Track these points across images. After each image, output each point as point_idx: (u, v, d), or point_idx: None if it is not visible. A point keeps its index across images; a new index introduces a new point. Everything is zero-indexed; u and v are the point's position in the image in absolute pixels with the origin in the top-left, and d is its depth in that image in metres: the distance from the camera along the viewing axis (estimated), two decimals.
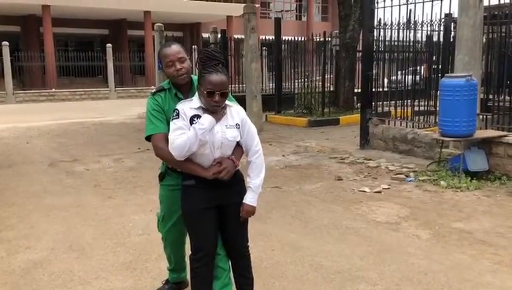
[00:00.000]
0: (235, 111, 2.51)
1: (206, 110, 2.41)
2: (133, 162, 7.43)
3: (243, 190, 2.56)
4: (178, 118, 2.42)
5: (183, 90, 2.62)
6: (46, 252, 3.82)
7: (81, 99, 22.72)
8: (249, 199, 2.53)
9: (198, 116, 2.40)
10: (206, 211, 2.50)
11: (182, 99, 2.55)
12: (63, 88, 23.27)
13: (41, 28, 24.46)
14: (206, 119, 2.38)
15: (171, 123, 2.44)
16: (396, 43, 8.63)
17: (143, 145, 8.30)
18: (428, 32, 8.71)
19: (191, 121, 2.40)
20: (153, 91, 2.70)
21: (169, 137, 2.42)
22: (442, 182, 5.67)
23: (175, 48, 2.57)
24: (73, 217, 4.75)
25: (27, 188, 5.93)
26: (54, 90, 22.89)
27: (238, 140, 2.50)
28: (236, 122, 2.49)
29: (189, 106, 2.45)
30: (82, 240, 4.08)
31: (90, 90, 23.56)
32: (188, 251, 2.67)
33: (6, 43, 21.41)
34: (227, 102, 2.47)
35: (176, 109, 2.45)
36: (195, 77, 2.60)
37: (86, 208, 5.06)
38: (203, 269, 2.54)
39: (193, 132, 2.36)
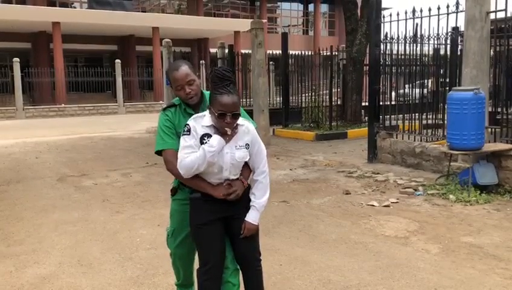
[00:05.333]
0: (246, 130, 2.48)
1: (217, 129, 2.40)
2: (141, 177, 7.46)
3: (249, 201, 2.55)
4: (189, 134, 2.42)
5: (193, 106, 2.64)
6: (54, 267, 3.83)
7: (90, 115, 22.91)
8: (252, 217, 2.52)
9: (209, 136, 2.39)
10: (212, 223, 2.50)
11: (192, 115, 2.55)
12: (72, 103, 23.50)
13: (51, 44, 24.82)
14: (216, 140, 2.37)
15: (181, 139, 2.45)
16: (403, 57, 8.65)
17: (151, 159, 8.34)
18: (435, 46, 8.73)
19: (201, 139, 2.40)
20: (164, 107, 2.73)
21: (179, 155, 2.43)
22: (451, 196, 5.63)
23: (183, 71, 2.57)
24: (82, 231, 4.77)
25: (36, 203, 5.96)
26: (63, 105, 23.12)
27: (246, 160, 2.50)
28: (246, 143, 2.47)
29: (201, 123, 2.43)
30: (90, 255, 4.09)
31: (99, 106, 23.77)
32: (196, 265, 2.67)
33: (17, 59, 21.72)
34: (239, 120, 2.44)
35: (188, 125, 2.44)
36: (206, 92, 2.62)
37: (94, 222, 5.08)
38: (211, 282, 2.53)
39: (202, 153, 2.36)
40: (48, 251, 4.20)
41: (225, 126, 2.36)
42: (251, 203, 2.53)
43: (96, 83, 25.01)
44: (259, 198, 2.53)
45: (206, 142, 2.38)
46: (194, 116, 2.49)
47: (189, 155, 2.39)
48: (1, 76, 22.87)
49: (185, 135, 2.43)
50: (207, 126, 2.42)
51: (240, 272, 2.65)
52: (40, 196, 6.39)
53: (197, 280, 2.60)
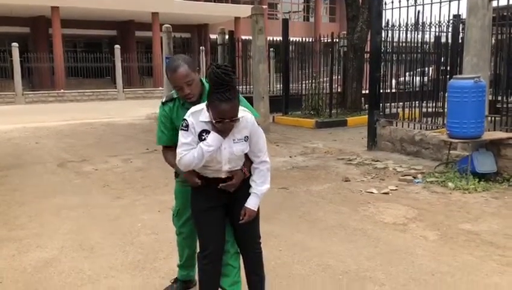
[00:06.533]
0: (244, 121, 2.41)
1: (215, 125, 2.36)
2: (141, 163, 7.48)
3: (249, 188, 2.56)
4: (187, 130, 2.39)
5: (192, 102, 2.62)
6: (56, 251, 3.87)
7: (89, 100, 22.87)
8: (252, 203, 2.52)
9: (207, 132, 2.37)
10: (212, 209, 2.53)
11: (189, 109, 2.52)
12: (72, 89, 23.43)
13: (50, 29, 24.65)
14: (214, 139, 2.35)
15: (179, 134, 2.43)
16: (404, 45, 8.62)
17: (151, 146, 8.36)
18: (437, 34, 8.70)
19: (200, 136, 2.38)
20: (163, 100, 2.72)
21: (177, 151, 2.43)
22: (450, 184, 5.66)
23: (181, 73, 2.52)
24: (83, 216, 4.81)
25: (37, 188, 5.99)
26: (62, 91, 23.06)
27: (246, 152, 2.47)
28: (244, 135, 2.43)
29: (200, 118, 2.38)
30: (91, 239, 4.13)
31: (99, 91, 23.71)
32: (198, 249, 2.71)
33: (16, 44, 21.61)
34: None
35: (186, 120, 2.40)
36: (206, 84, 2.60)
37: (95, 207, 5.11)
38: (210, 266, 2.57)
39: (200, 151, 2.35)
40: (50, 236, 4.24)
41: (223, 129, 2.34)
42: (252, 190, 2.53)
43: (95, 69, 24.91)
44: (260, 185, 2.53)
45: (204, 139, 2.36)
46: (192, 110, 2.43)
47: (188, 153, 2.38)
48: (0, 61, 22.75)
49: (183, 130, 2.41)
50: (205, 122, 2.38)
51: (240, 255, 2.69)
52: (40, 181, 6.42)
53: (197, 264, 2.65)
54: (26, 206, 5.18)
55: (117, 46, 24.25)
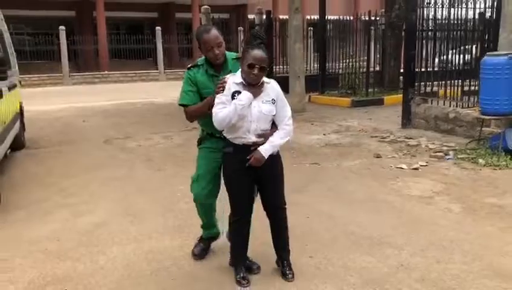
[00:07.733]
0: (271, 87, 2.83)
1: (246, 85, 2.74)
2: (181, 140, 7.87)
3: (276, 157, 2.87)
4: (223, 92, 2.78)
5: (216, 67, 2.98)
6: (104, 216, 4.28)
7: (132, 81, 23.56)
8: (263, 148, 2.78)
9: (239, 92, 2.73)
10: (242, 174, 2.83)
11: (212, 75, 2.94)
12: (115, 70, 24.19)
13: (95, 12, 25.43)
14: (245, 95, 2.72)
15: (216, 97, 2.79)
16: (442, 22, 8.52)
17: (191, 124, 8.71)
18: (478, 10, 8.55)
19: (233, 96, 2.74)
20: (188, 66, 3.09)
21: (213, 110, 2.78)
22: (480, 160, 5.71)
23: (214, 34, 2.90)
24: (128, 186, 5.22)
25: (85, 162, 6.48)
26: (106, 72, 23.86)
27: (273, 114, 2.80)
28: (272, 98, 2.80)
29: (233, 80, 2.79)
30: (136, 206, 4.53)
31: (141, 72, 24.36)
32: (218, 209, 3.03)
33: (63, 27, 22.46)
34: (265, 78, 2.79)
35: (224, 85, 2.80)
36: (228, 53, 2.98)
37: (138, 179, 5.52)
38: (241, 227, 2.93)
39: (233, 107, 2.71)
40: (99, 203, 4.67)
41: (253, 78, 2.69)
42: (268, 140, 2.80)
43: (137, 50, 25.55)
44: (277, 138, 2.82)
45: (236, 98, 2.72)
46: (228, 76, 2.82)
47: (222, 110, 2.73)
48: (48, 44, 23.74)
49: (220, 93, 2.78)
50: (237, 83, 2.76)
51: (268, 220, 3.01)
52: (89, 155, 6.92)
53: (229, 223, 3.01)
54: (78, 178, 5.65)
55: (158, 28, 24.77)
